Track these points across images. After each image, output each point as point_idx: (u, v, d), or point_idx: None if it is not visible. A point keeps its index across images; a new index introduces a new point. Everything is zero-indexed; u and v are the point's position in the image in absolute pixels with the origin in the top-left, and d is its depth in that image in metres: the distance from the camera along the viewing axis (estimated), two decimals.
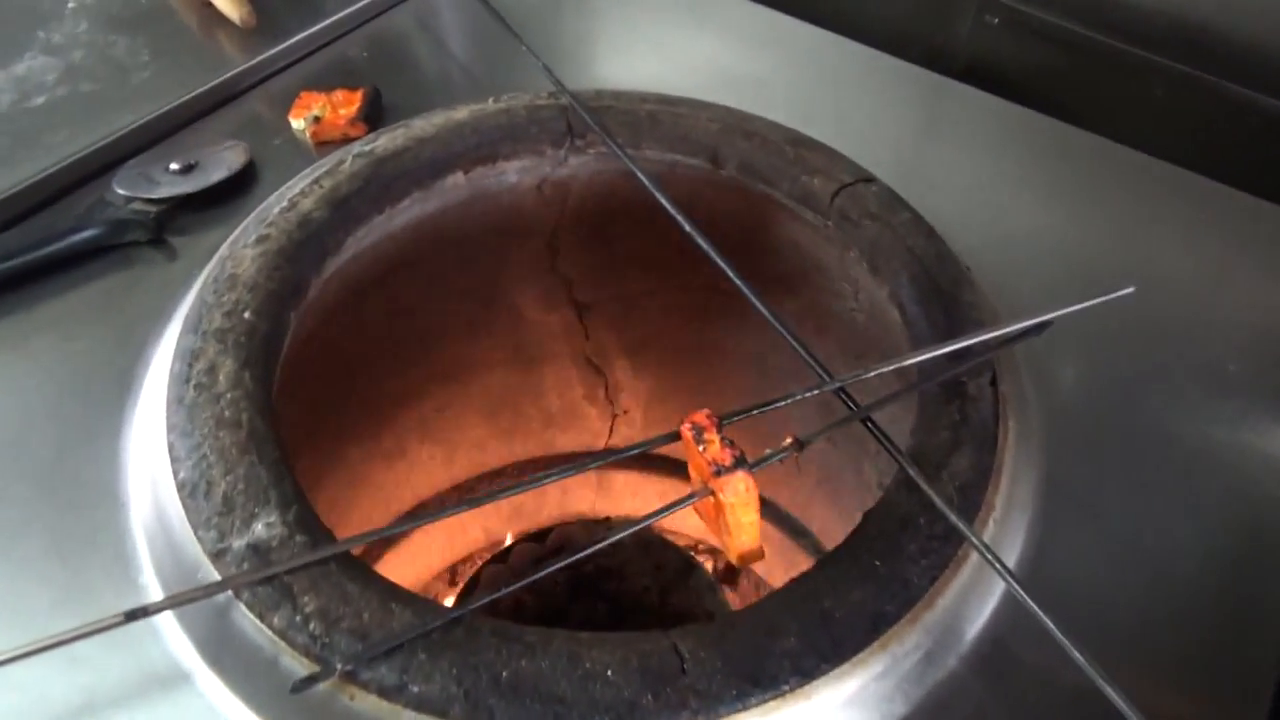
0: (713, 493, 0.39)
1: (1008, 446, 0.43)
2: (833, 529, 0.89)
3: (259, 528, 0.38)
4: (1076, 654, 0.35)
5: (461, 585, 0.85)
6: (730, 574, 1.01)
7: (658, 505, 1.09)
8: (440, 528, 0.98)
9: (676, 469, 1.01)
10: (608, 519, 1.03)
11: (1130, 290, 0.46)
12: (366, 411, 0.79)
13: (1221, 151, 0.62)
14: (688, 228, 0.50)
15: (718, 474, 0.39)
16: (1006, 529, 0.42)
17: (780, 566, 0.92)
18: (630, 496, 1.05)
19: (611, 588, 0.87)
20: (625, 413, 0.98)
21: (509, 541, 0.97)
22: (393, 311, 0.70)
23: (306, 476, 0.71)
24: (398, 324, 0.73)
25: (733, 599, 0.91)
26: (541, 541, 0.91)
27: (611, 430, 1.00)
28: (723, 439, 0.39)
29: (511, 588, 0.38)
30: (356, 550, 0.39)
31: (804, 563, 0.92)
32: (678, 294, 0.81)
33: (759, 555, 0.40)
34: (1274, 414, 0.49)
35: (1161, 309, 0.52)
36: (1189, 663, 0.41)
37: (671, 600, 0.85)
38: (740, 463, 0.39)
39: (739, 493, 0.38)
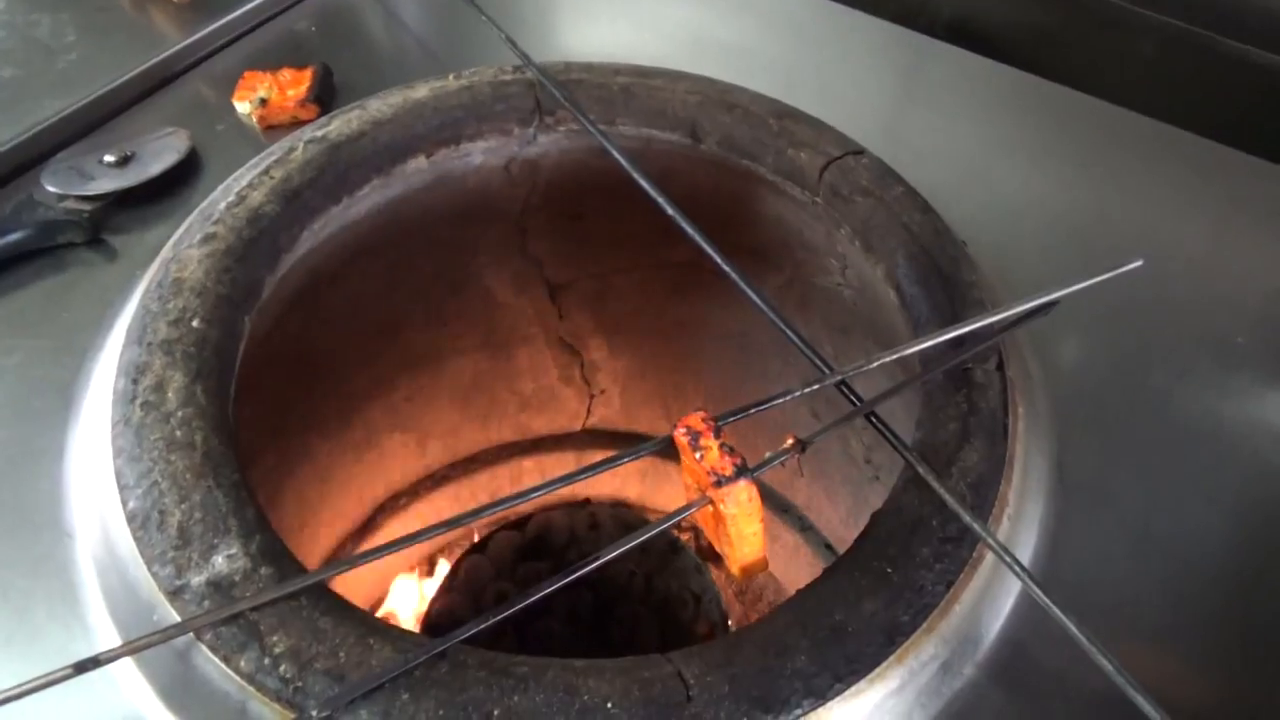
0: (712, 502, 0.36)
1: (1018, 435, 0.41)
2: (819, 503, 0.87)
3: (219, 561, 0.35)
4: (1101, 658, 0.33)
5: (443, 581, 0.82)
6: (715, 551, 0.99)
7: (638, 485, 1.07)
8: (416, 516, 0.95)
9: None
10: (587, 500, 1.00)
11: (1139, 264, 0.44)
12: (333, 403, 0.76)
13: (1216, 109, 0.60)
14: (670, 210, 0.47)
15: (718, 484, 0.36)
16: (1020, 524, 0.40)
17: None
18: (610, 476, 1.02)
19: (596, 574, 0.84)
20: (602, 393, 0.95)
21: (488, 529, 0.94)
22: (356, 301, 0.66)
23: (273, 474, 0.68)
24: (362, 314, 0.69)
25: (718, 577, 0.89)
26: (521, 530, 0.88)
27: (589, 411, 0.97)
28: (721, 445, 0.37)
29: (501, 616, 0.35)
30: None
31: (790, 539, 0.90)
32: (654, 271, 0.78)
33: (763, 566, 0.37)
34: None
35: (1165, 279, 0.50)
36: (1210, 650, 0.39)
37: (657, 584, 0.83)
38: (742, 471, 0.36)
39: (741, 503, 0.36)
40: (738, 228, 0.60)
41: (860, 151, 0.51)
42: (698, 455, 0.37)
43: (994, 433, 0.40)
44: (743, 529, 0.36)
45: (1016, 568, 0.36)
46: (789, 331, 0.43)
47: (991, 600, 0.38)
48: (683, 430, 0.38)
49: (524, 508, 1.01)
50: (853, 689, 0.34)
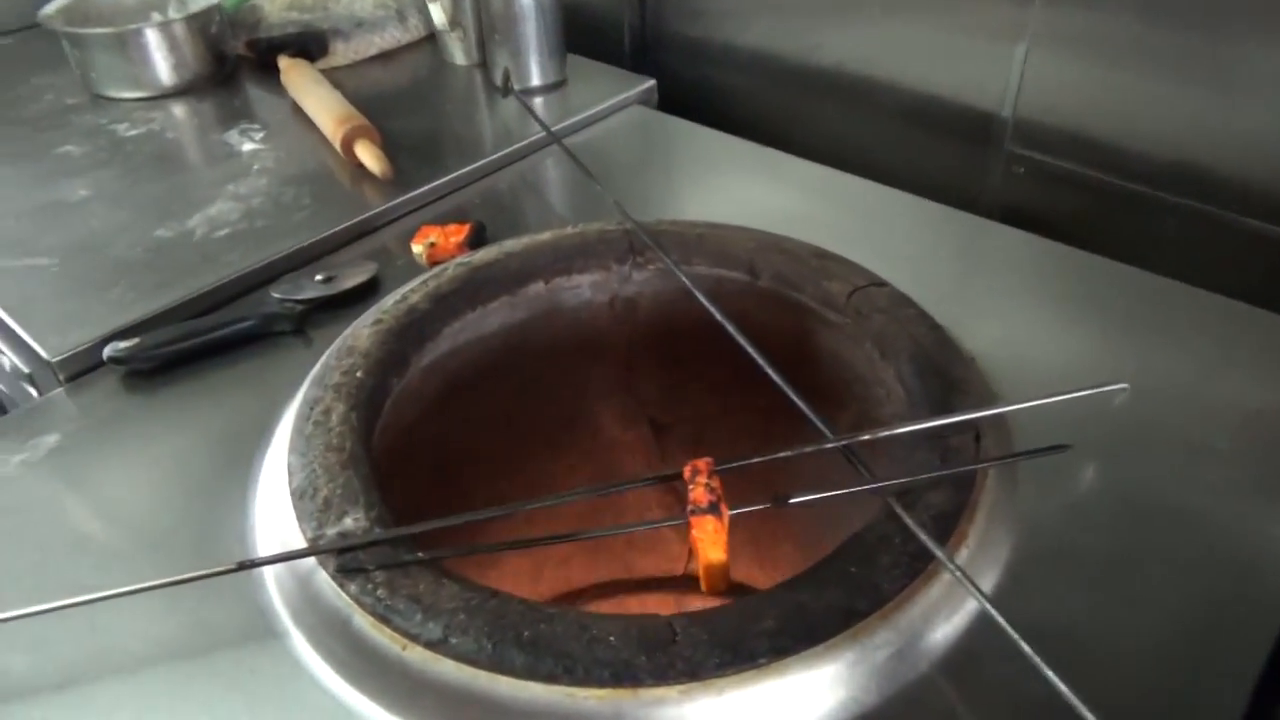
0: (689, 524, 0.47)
1: (985, 490, 0.49)
2: None
3: (348, 521, 0.48)
4: (1036, 658, 0.40)
5: None
6: None
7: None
8: None
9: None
10: None
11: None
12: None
13: (1228, 270, 0.68)
14: (719, 316, 0.60)
15: (692, 513, 0.46)
16: (983, 559, 0.47)
17: None
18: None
19: None
20: None
21: None
22: (484, 418, 0.80)
23: None
24: (489, 431, 0.83)
25: None
26: None
27: (690, 554, 1.05)
28: (707, 484, 0.47)
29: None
30: None
31: None
32: (744, 416, 0.89)
33: (724, 589, 0.46)
34: (1259, 485, 0.52)
35: (1153, 399, 0.57)
36: (1154, 692, 0.44)
37: None
38: (713, 508, 0.46)
39: (707, 532, 0.46)
40: (805, 368, 0.71)
41: (882, 284, 0.62)
42: (691, 488, 0.48)
43: (961, 483, 0.48)
44: (708, 554, 0.46)
45: (968, 581, 0.43)
46: (792, 393, 0.54)
47: (949, 610, 0.45)
48: (689, 468, 0.49)
49: None
50: (810, 652, 0.42)
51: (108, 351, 0.63)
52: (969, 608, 0.46)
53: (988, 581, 0.47)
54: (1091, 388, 0.54)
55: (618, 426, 0.92)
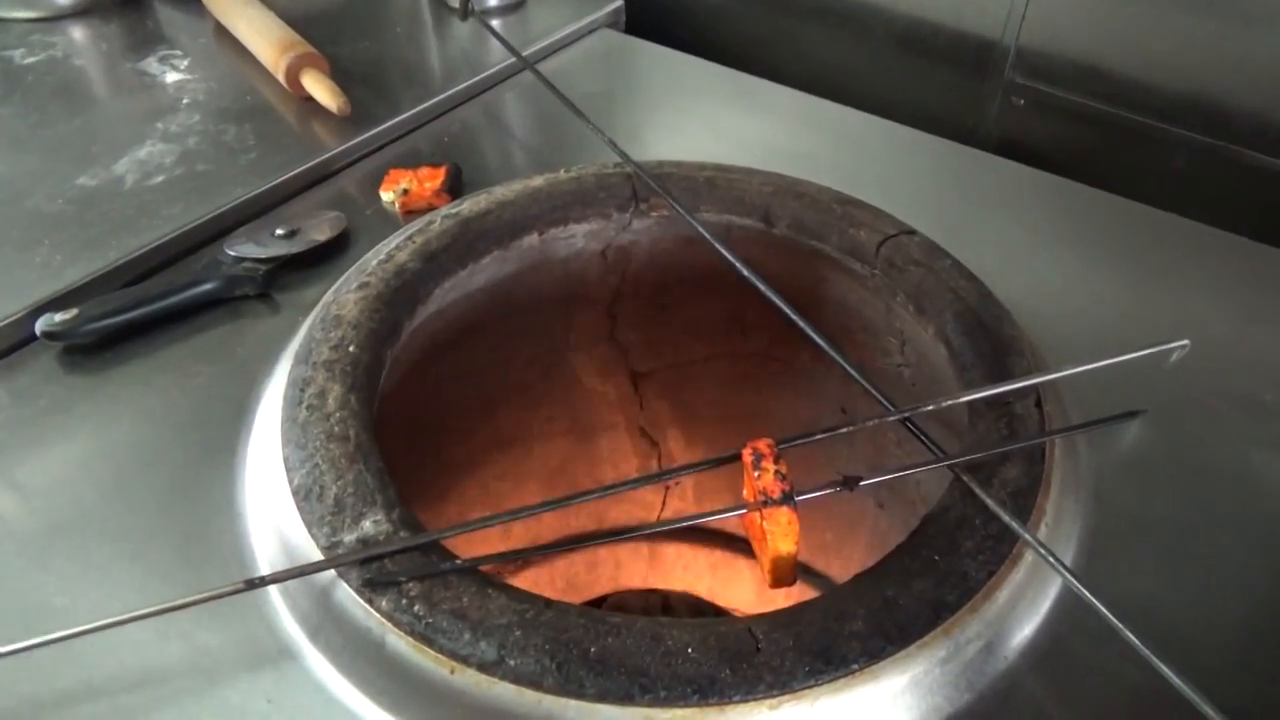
0: (759, 515, 0.42)
1: (1055, 461, 0.46)
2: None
3: (367, 525, 0.42)
4: (1146, 651, 0.37)
5: None
6: None
7: (709, 579, 1.10)
8: None
9: (727, 542, 1.03)
10: (658, 591, 1.05)
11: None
12: (434, 475, 0.83)
13: (1238, 208, 0.66)
14: (746, 272, 0.55)
15: (765, 504, 0.42)
16: (1058, 535, 0.45)
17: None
18: (682, 570, 1.06)
19: None
20: (677, 484, 1.00)
21: None
22: (462, 376, 0.74)
23: None
24: (466, 389, 0.77)
25: None
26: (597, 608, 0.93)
27: (664, 504, 1.03)
28: (776, 471, 0.43)
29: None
30: None
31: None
32: (729, 362, 0.85)
33: (791, 582, 0.43)
34: None
35: (1197, 352, 0.54)
36: (1241, 656, 0.42)
37: None
38: (788, 498, 0.42)
39: (780, 524, 0.41)
40: (806, 313, 0.68)
41: (912, 231, 0.58)
42: (756, 474, 0.43)
43: (1032, 455, 0.45)
44: (779, 547, 0.42)
45: (1058, 565, 0.40)
46: (852, 370, 0.50)
47: (1032, 594, 0.42)
48: (750, 451, 0.44)
49: (598, 588, 1.05)
50: (904, 653, 0.38)
51: (41, 325, 0.54)
52: (1050, 591, 0.43)
53: (1066, 560, 0.44)
54: (1151, 346, 0.51)
55: (596, 377, 0.87)
